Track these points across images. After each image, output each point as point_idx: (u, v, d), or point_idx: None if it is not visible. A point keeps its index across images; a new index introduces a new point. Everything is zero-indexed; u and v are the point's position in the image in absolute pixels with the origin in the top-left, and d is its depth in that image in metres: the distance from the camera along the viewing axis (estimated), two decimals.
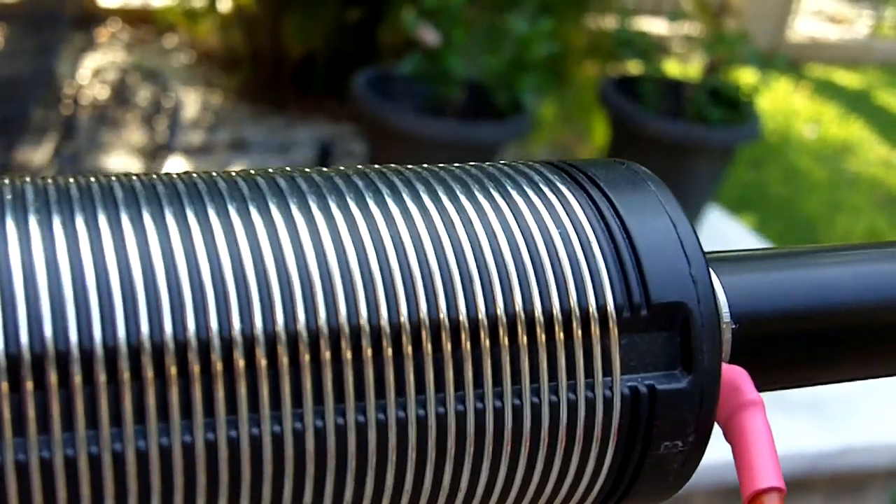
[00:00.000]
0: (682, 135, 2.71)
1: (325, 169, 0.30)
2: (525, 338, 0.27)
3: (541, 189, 0.29)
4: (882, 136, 4.60)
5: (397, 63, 2.74)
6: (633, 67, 3.13)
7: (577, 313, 0.27)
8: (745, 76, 3.05)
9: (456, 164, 0.31)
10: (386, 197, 0.28)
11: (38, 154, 2.99)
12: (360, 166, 0.30)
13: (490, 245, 0.27)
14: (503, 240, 0.27)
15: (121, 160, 2.69)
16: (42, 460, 0.23)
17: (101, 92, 2.75)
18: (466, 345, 0.26)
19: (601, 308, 0.28)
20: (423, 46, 2.57)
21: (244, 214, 0.26)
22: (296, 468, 0.26)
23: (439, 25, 2.57)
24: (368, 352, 0.26)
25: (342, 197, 0.27)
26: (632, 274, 0.28)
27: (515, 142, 2.89)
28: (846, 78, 5.22)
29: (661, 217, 0.29)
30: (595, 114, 3.41)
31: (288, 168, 0.29)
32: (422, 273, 0.26)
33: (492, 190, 0.29)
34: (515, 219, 0.28)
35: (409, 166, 0.30)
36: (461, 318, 0.26)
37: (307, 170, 0.29)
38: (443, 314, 0.26)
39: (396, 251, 0.27)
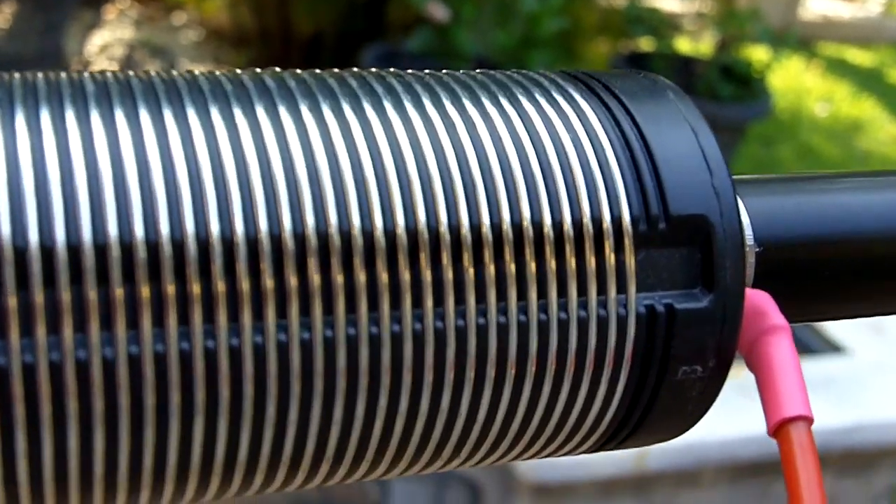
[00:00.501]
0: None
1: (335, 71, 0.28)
2: (532, 251, 0.25)
3: (552, 96, 0.27)
4: (894, 115, 4.57)
5: (406, 39, 2.72)
6: (645, 44, 3.11)
7: (590, 225, 0.25)
8: (757, 54, 3.03)
9: (462, 71, 0.29)
10: (399, 102, 0.26)
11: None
12: (356, 70, 0.29)
13: (496, 152, 0.25)
14: (510, 146, 0.26)
15: None
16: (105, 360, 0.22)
17: (109, 68, 2.74)
18: (468, 258, 0.25)
19: (615, 220, 0.26)
20: (432, 22, 2.55)
21: (290, 114, 0.25)
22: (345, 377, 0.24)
23: (448, 1, 2.55)
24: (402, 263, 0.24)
25: (355, 99, 0.26)
26: (649, 184, 0.26)
27: None
28: (858, 56, 5.19)
29: (682, 126, 0.27)
30: None
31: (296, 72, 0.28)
32: (421, 181, 0.25)
33: (499, 96, 0.27)
34: (524, 125, 0.26)
35: (411, 72, 0.28)
36: (462, 229, 0.25)
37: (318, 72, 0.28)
38: (443, 226, 0.24)
39: (416, 156, 0.25)
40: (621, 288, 0.26)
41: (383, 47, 2.80)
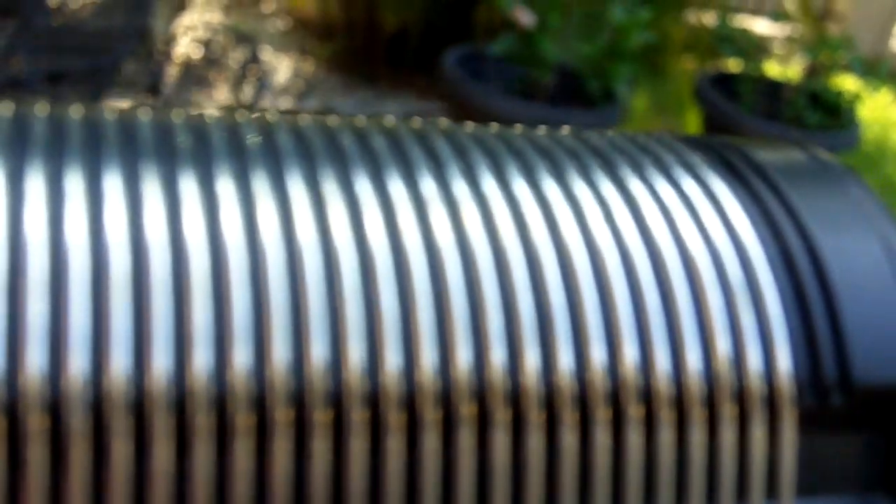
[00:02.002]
0: (778, 137, 2.64)
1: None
2: (637, 428, 0.19)
3: (690, 191, 0.21)
4: None
5: (490, 42, 2.70)
6: (732, 65, 3.05)
7: (729, 392, 0.19)
8: (846, 83, 2.97)
9: (582, 134, 0.25)
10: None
11: (126, 106, 3.01)
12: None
13: (601, 284, 0.20)
14: (616, 272, 0.20)
15: None
16: None
17: (193, 51, 2.75)
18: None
19: (771, 387, 0.19)
20: (517, 27, 2.52)
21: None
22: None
23: (535, 7, 2.53)
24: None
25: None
26: (824, 335, 0.19)
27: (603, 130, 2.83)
28: None
29: (871, 243, 0.19)
30: (689, 109, 3.34)
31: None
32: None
33: (628, 187, 0.22)
34: (643, 238, 0.21)
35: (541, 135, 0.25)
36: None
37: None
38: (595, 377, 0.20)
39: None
40: (773, 490, 0.19)
41: (466, 49, 2.78)
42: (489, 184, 0.22)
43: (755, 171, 0.21)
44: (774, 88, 2.83)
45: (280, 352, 0.18)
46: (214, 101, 2.72)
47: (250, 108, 2.38)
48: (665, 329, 0.20)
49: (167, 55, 2.87)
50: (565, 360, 0.20)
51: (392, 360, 0.19)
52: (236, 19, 4.13)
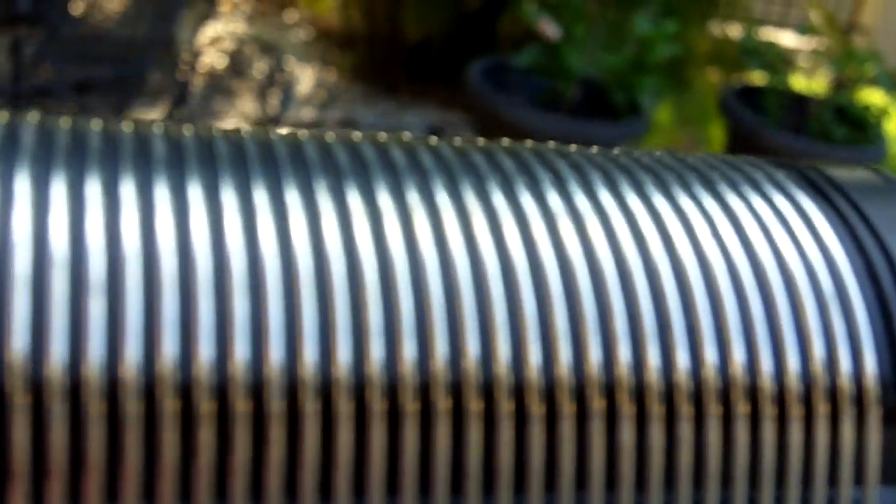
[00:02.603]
0: (803, 151, 2.62)
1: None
2: (744, 423, 0.20)
3: (783, 209, 0.22)
4: None
5: (514, 54, 2.70)
6: (757, 78, 3.04)
7: (821, 389, 0.21)
8: (873, 97, 2.95)
9: (664, 155, 0.25)
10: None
11: (151, 116, 3.02)
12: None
13: (710, 290, 0.21)
14: (725, 283, 0.21)
15: None
16: None
17: (218, 61, 2.76)
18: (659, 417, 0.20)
19: (859, 386, 0.21)
20: (542, 39, 2.52)
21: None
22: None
23: (561, 19, 2.52)
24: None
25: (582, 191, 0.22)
26: None
27: (629, 143, 2.82)
28: None
29: None
30: (713, 121, 3.33)
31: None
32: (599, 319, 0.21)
33: (720, 206, 0.22)
34: (746, 251, 0.21)
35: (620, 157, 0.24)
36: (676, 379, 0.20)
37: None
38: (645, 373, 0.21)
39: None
40: (859, 477, 0.21)
41: (491, 61, 2.77)
42: (606, 198, 0.22)
43: (836, 189, 0.23)
44: (800, 102, 2.82)
45: (376, 350, 0.18)
46: (239, 111, 2.73)
47: (276, 119, 2.38)
48: (768, 334, 0.21)
49: (192, 65, 2.88)
50: (682, 359, 0.20)
51: (562, 356, 0.19)
52: (260, 29, 4.14)
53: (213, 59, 3.01)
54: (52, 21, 2.96)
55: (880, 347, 0.21)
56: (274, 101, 2.42)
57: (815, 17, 3.46)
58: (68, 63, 2.76)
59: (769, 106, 2.74)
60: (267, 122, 2.40)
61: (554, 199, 0.22)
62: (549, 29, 2.48)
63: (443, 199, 0.21)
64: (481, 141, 0.25)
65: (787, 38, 3.93)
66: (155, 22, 2.95)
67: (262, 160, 0.21)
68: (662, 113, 3.43)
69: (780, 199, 0.23)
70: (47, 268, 0.18)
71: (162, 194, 0.20)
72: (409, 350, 0.20)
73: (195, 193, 0.20)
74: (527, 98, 2.58)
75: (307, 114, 3.59)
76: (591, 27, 2.59)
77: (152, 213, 0.20)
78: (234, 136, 0.22)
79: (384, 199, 0.21)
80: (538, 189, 0.23)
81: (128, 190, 0.20)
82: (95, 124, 0.22)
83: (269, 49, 2.60)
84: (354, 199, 0.21)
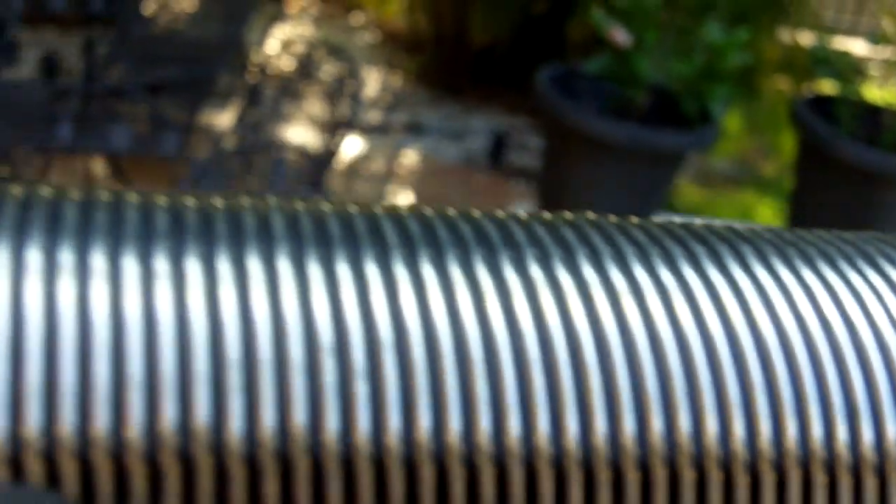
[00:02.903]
0: (876, 163, 2.58)
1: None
2: (848, 499, 0.20)
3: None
4: None
5: (581, 60, 2.68)
6: (828, 87, 3.00)
7: None
8: None
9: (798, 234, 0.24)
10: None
11: (222, 118, 3.04)
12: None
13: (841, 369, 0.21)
14: (824, 356, 0.21)
15: (301, 132, 2.71)
16: None
17: (287, 63, 2.78)
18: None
19: None
20: (612, 46, 2.51)
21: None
22: None
23: (632, 26, 2.51)
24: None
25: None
26: None
27: (698, 152, 2.80)
28: None
29: None
30: (783, 130, 3.29)
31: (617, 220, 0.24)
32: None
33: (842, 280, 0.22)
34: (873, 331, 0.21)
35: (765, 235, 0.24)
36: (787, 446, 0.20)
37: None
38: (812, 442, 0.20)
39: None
40: None
41: (560, 67, 2.76)
42: (760, 270, 0.22)
43: None
44: (873, 113, 2.77)
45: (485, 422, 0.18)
46: (307, 114, 2.74)
47: (347, 123, 2.39)
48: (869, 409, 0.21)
49: (262, 67, 2.90)
50: (791, 431, 0.20)
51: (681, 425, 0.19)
52: (327, 32, 4.16)
53: (281, 61, 3.03)
54: (124, 21, 2.99)
55: None
56: (343, 105, 2.43)
57: (887, 25, 3.41)
58: (140, 64, 2.79)
59: (841, 116, 2.70)
60: (336, 125, 2.41)
61: (665, 274, 0.22)
62: (620, 36, 2.47)
63: (537, 273, 0.21)
64: (569, 215, 0.24)
65: (858, 47, 3.88)
66: (225, 24, 2.97)
67: (371, 238, 0.21)
68: (731, 120, 3.40)
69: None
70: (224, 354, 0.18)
71: (316, 274, 0.19)
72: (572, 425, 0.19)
73: (342, 270, 0.20)
74: (595, 105, 2.57)
75: (373, 116, 3.60)
76: (661, 34, 2.57)
77: (308, 295, 0.19)
78: (344, 213, 0.22)
79: (483, 274, 0.20)
80: (649, 264, 0.22)
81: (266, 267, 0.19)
82: (192, 203, 0.21)
83: (338, 52, 2.61)
84: (456, 273, 0.20)
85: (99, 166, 2.90)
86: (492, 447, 0.19)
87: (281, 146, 2.53)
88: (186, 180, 2.31)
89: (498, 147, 3.49)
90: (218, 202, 0.21)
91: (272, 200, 0.22)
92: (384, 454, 0.18)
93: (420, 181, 3.30)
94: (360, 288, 0.19)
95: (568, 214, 0.24)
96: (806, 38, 3.37)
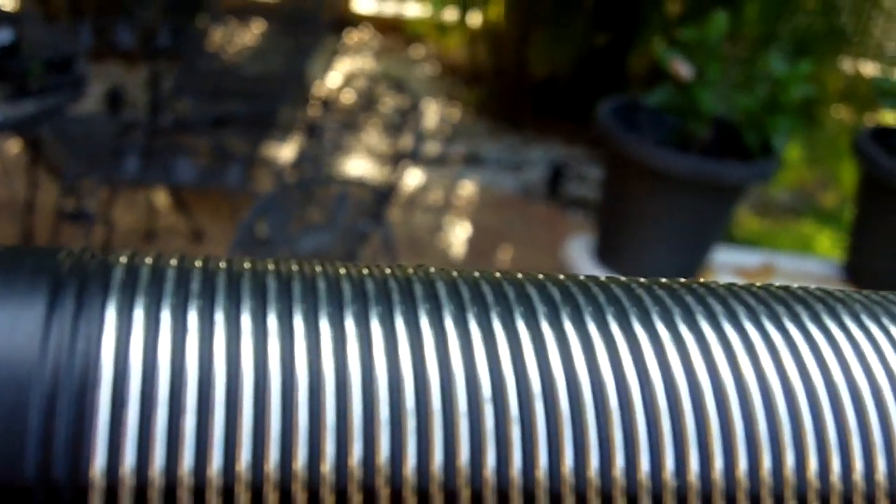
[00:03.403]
0: None
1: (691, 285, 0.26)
2: None
3: None
4: None
5: (642, 92, 2.68)
6: (890, 118, 2.98)
7: None
8: None
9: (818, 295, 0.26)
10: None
11: (284, 151, 3.07)
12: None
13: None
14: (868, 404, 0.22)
15: (362, 164, 2.73)
16: None
17: (348, 97, 2.80)
18: None
19: None
20: (675, 79, 2.50)
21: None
22: None
23: (694, 59, 2.50)
24: None
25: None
26: None
27: (759, 184, 2.78)
28: None
29: None
30: (843, 160, 3.27)
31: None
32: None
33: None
34: None
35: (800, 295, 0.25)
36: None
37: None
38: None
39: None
40: None
41: (621, 99, 2.76)
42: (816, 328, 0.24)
43: None
44: None
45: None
46: (367, 147, 2.77)
47: (409, 155, 2.41)
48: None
49: (323, 100, 2.93)
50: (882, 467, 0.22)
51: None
52: (387, 64, 4.19)
53: (342, 94, 3.06)
54: (189, 56, 3.04)
55: None
56: (405, 137, 2.45)
57: None
58: (204, 98, 2.83)
59: None
60: (397, 158, 2.43)
61: (774, 332, 0.24)
62: (683, 69, 2.47)
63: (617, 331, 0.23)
64: (684, 281, 0.26)
65: None
66: (288, 58, 3.01)
67: (519, 301, 0.23)
68: (791, 151, 3.38)
69: None
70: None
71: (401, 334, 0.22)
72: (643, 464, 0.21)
73: (497, 328, 0.22)
74: (656, 137, 2.57)
75: (432, 148, 3.62)
76: (724, 67, 2.57)
77: (397, 355, 0.21)
78: (402, 277, 0.24)
79: (616, 330, 0.23)
80: (759, 322, 0.24)
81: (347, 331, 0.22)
82: (370, 273, 0.24)
83: (399, 86, 2.63)
84: (593, 330, 0.23)
85: (162, 198, 2.94)
86: (624, 481, 0.21)
87: (342, 179, 2.55)
88: (250, 213, 2.33)
89: (556, 178, 3.50)
90: (391, 272, 0.25)
91: (431, 270, 0.25)
92: (534, 486, 0.21)
93: (477, 212, 3.31)
94: (513, 345, 0.22)
95: (682, 281, 0.26)
96: (868, 69, 3.34)
